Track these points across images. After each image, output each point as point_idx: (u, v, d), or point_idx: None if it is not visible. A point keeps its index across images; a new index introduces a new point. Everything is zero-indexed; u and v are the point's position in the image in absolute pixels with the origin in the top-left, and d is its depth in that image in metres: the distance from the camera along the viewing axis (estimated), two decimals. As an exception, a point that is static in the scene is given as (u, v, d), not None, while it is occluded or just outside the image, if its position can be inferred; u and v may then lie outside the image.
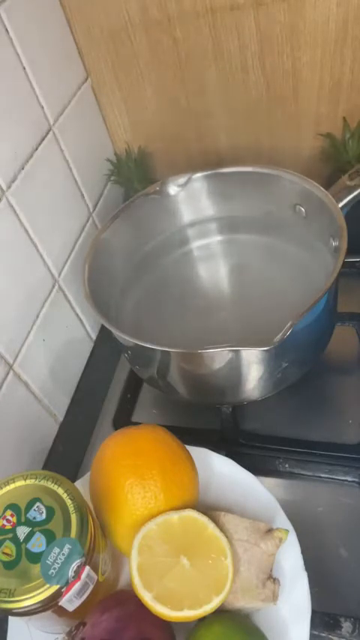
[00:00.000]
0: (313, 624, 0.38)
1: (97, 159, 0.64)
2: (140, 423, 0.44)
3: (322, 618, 0.40)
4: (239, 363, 0.44)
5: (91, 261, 0.51)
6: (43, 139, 0.52)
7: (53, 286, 0.54)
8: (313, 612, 0.38)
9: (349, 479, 0.48)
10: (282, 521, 0.42)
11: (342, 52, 0.53)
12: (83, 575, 0.34)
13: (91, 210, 0.62)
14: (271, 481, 0.50)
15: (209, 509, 0.40)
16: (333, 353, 0.55)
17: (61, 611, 0.34)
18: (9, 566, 0.33)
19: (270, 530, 0.38)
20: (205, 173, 0.57)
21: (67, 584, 0.33)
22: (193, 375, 0.48)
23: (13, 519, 0.34)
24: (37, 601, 0.32)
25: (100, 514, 0.40)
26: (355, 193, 0.47)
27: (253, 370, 0.46)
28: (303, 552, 0.40)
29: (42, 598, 0.32)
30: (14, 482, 0.36)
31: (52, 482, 0.36)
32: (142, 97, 0.62)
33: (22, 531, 0.34)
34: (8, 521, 0.34)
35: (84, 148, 0.60)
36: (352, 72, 0.54)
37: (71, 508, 0.34)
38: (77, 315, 0.59)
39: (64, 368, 0.57)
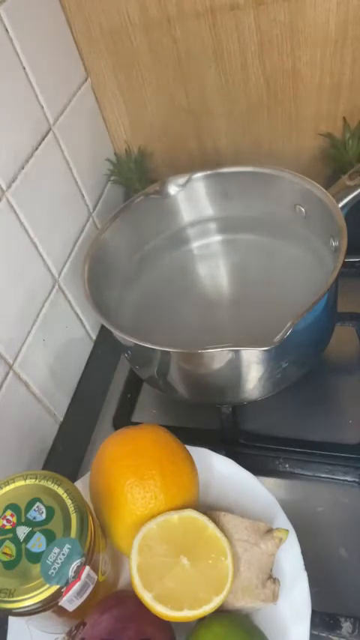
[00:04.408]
0: (313, 624, 0.38)
1: (97, 159, 0.64)
2: (140, 423, 0.44)
3: (322, 618, 0.40)
4: (239, 363, 0.44)
5: (91, 261, 0.51)
6: (43, 139, 0.52)
7: (53, 286, 0.54)
8: (313, 612, 0.38)
9: (349, 479, 0.48)
10: (282, 521, 0.42)
11: (342, 52, 0.53)
12: (83, 575, 0.34)
13: (91, 210, 0.62)
14: (271, 481, 0.49)
15: (209, 509, 0.40)
16: (333, 353, 0.55)
17: (61, 611, 0.34)
18: (9, 566, 0.33)
19: (270, 530, 0.38)
20: (205, 173, 0.57)
21: (67, 584, 0.33)
22: (193, 375, 0.48)
23: (13, 519, 0.34)
24: (37, 601, 0.32)
25: (100, 514, 0.40)
26: (355, 193, 0.47)
27: (253, 370, 0.46)
28: (303, 552, 0.40)
29: (42, 598, 0.32)
30: (14, 482, 0.36)
31: (52, 482, 0.36)
32: (142, 97, 0.62)
33: (22, 531, 0.34)
34: (8, 521, 0.34)
35: (84, 148, 0.60)
36: (352, 72, 0.54)
37: (71, 508, 0.34)
38: (77, 315, 0.60)
39: (64, 368, 0.57)
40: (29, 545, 0.33)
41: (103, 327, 0.64)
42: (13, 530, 0.34)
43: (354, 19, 0.51)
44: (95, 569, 0.36)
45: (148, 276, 0.60)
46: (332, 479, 0.49)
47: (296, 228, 0.55)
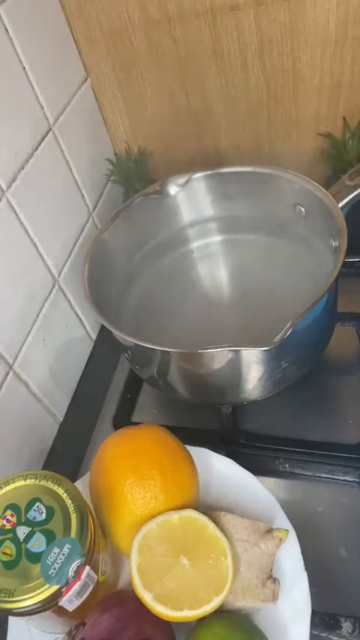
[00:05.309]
0: (313, 624, 0.38)
1: (97, 159, 0.64)
2: (140, 423, 0.44)
3: (322, 618, 0.40)
4: (239, 363, 0.44)
5: (91, 261, 0.50)
6: (43, 139, 0.52)
7: (53, 286, 0.54)
8: (313, 612, 0.38)
9: (349, 479, 0.48)
10: (282, 521, 0.42)
11: (342, 52, 0.53)
12: (83, 575, 0.34)
13: (91, 210, 0.62)
14: (271, 481, 0.49)
15: (209, 509, 0.40)
16: (333, 353, 0.55)
17: (61, 611, 0.34)
18: (9, 566, 0.33)
19: (270, 530, 0.38)
20: (205, 173, 0.57)
21: (67, 584, 0.33)
22: (193, 375, 0.48)
23: (13, 519, 0.34)
24: (37, 601, 0.32)
25: (100, 514, 0.40)
26: (355, 193, 0.47)
27: (253, 370, 0.46)
28: (303, 552, 0.40)
29: (42, 598, 0.32)
30: (14, 482, 0.36)
31: (52, 482, 0.36)
32: (142, 97, 0.62)
33: (22, 531, 0.34)
34: (8, 521, 0.34)
35: (84, 147, 0.60)
36: (351, 72, 0.54)
37: (71, 508, 0.34)
38: (77, 315, 0.60)
39: (64, 368, 0.57)
40: (29, 545, 0.33)
41: (103, 327, 0.64)
42: (13, 530, 0.34)
43: (354, 19, 0.51)
44: (95, 569, 0.36)
45: (148, 276, 0.60)
46: (332, 479, 0.49)
47: (296, 228, 0.55)
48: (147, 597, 0.35)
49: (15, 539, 0.33)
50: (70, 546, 0.33)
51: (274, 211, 0.56)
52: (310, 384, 0.54)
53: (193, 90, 0.60)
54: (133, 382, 0.61)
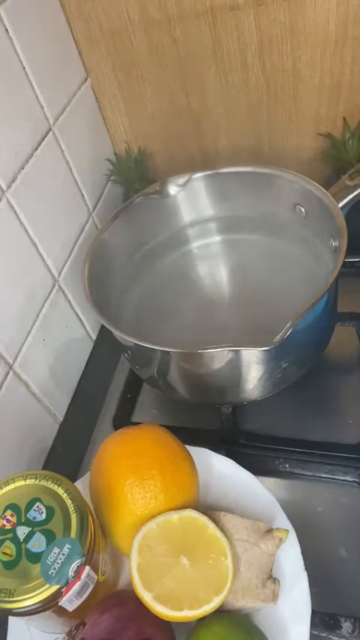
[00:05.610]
0: (313, 624, 0.38)
1: (97, 159, 0.64)
2: (140, 423, 0.44)
3: (322, 618, 0.40)
4: (239, 363, 0.44)
5: (91, 261, 0.51)
6: (43, 139, 0.52)
7: (53, 286, 0.54)
8: (313, 612, 0.38)
9: (349, 479, 0.48)
10: (282, 521, 0.42)
11: (342, 52, 0.53)
12: (83, 575, 0.34)
13: (91, 210, 0.62)
14: (271, 481, 0.49)
15: (209, 509, 0.40)
16: (333, 353, 0.55)
17: (61, 611, 0.34)
18: (9, 566, 0.33)
19: (270, 530, 0.38)
20: (205, 173, 0.57)
21: (67, 584, 0.33)
22: (193, 375, 0.48)
23: (13, 519, 0.34)
24: (37, 601, 0.32)
25: (100, 514, 0.40)
26: (355, 193, 0.47)
27: (253, 370, 0.46)
28: (303, 552, 0.40)
29: (42, 598, 0.32)
30: (14, 482, 0.36)
31: (52, 482, 0.36)
32: (142, 97, 0.62)
33: (22, 531, 0.34)
34: (8, 521, 0.34)
35: (84, 148, 0.60)
36: (352, 72, 0.54)
37: (71, 508, 0.34)
38: (77, 315, 0.60)
39: (64, 368, 0.57)
40: (29, 545, 0.33)
41: (103, 327, 0.64)
42: (13, 530, 0.34)
43: (354, 19, 0.51)
44: (95, 569, 0.36)
45: (148, 276, 0.60)
46: (332, 479, 0.49)
47: (296, 228, 0.55)
48: (147, 597, 0.35)
49: (15, 539, 0.33)
50: (70, 546, 0.33)
51: (274, 211, 0.56)
52: (310, 384, 0.54)
53: (193, 90, 0.60)
54: (133, 382, 0.61)
